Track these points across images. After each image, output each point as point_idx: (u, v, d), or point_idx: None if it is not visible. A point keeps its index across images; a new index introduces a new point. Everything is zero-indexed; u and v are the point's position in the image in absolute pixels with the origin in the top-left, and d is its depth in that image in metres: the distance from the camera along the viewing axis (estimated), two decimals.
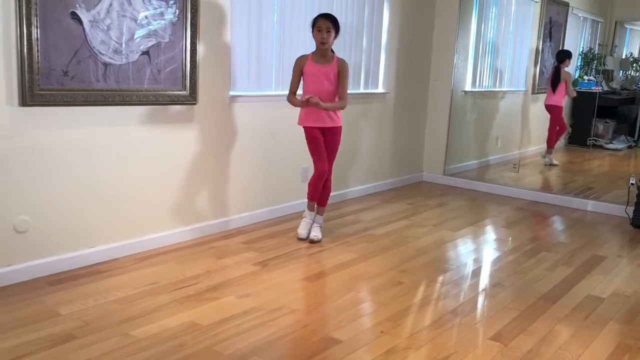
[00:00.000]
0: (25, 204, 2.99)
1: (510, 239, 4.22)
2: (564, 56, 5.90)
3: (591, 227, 4.63)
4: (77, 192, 3.19)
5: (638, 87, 5.87)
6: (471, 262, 3.69)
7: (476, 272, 3.52)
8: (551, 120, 6.06)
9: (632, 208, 4.65)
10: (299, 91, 3.83)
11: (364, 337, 2.59)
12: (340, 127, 3.85)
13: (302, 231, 3.95)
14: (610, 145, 6.07)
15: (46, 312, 2.68)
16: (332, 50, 3.75)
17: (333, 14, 4.53)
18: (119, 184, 3.37)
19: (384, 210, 4.84)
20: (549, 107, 6.02)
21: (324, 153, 3.81)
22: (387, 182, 5.63)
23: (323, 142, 3.81)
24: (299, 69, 3.75)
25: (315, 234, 3.91)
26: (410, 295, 3.09)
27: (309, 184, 3.93)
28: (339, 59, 3.75)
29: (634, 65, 5.94)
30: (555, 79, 5.90)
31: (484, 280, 3.39)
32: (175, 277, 3.18)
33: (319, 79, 3.70)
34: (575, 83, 6.16)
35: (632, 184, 4.82)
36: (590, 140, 5.94)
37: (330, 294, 3.07)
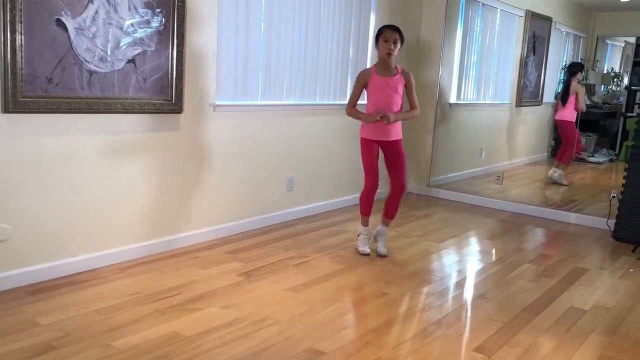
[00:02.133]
0: (5, 212, 2.94)
1: (493, 251, 4.25)
2: (575, 68, 5.76)
3: (573, 240, 4.68)
4: (59, 201, 3.15)
5: (619, 102, 5.96)
6: (455, 274, 3.71)
7: (460, 284, 3.53)
8: (562, 136, 5.90)
9: (614, 221, 4.71)
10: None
11: (348, 349, 2.58)
12: (401, 139, 3.82)
13: (363, 248, 3.94)
14: (592, 159, 6.15)
15: (25, 323, 2.63)
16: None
17: (324, 24, 4.53)
18: (102, 193, 3.34)
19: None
20: (559, 123, 5.87)
21: (377, 168, 3.83)
22: None
23: (378, 157, 3.83)
24: (363, 83, 3.73)
25: (381, 248, 3.91)
26: (395, 307, 3.09)
27: (360, 199, 3.94)
28: (403, 70, 3.74)
29: (615, 80, 6.04)
30: (564, 93, 5.76)
31: (468, 292, 3.40)
32: (158, 287, 3.15)
33: (385, 91, 3.68)
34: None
35: (613, 197, 4.88)
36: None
37: (315, 304, 3.06)
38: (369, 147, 3.79)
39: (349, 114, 3.81)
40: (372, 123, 3.69)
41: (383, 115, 3.62)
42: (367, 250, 3.93)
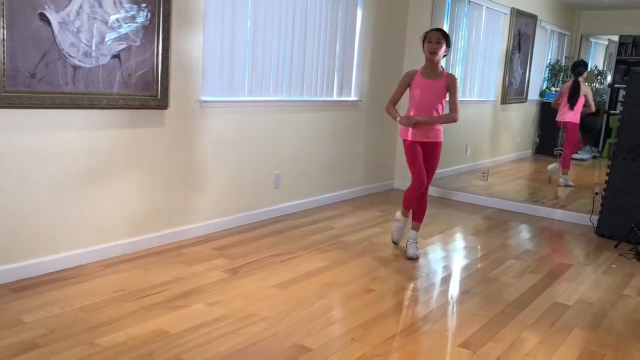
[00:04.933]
0: None
1: (479, 247, 4.28)
2: (581, 68, 5.53)
3: (557, 236, 4.72)
4: (42, 197, 3.11)
5: (602, 99, 6.02)
6: (441, 270, 3.73)
7: (446, 280, 3.55)
8: (566, 138, 5.71)
9: (597, 217, 4.77)
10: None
11: (334, 345, 2.59)
12: (441, 142, 3.85)
13: (395, 236, 4.11)
14: (575, 156, 6.20)
15: (9, 320, 2.60)
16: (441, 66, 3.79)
17: (311, 20, 4.55)
18: (86, 189, 3.31)
19: (356, 217, 4.86)
20: (564, 125, 5.62)
21: (421, 166, 3.81)
22: (359, 189, 5.66)
23: (421, 154, 3.82)
24: (406, 83, 3.80)
25: (412, 251, 3.89)
26: (381, 303, 3.10)
27: (405, 196, 3.94)
28: (448, 74, 3.77)
29: (599, 77, 6.10)
30: (574, 94, 5.48)
31: (454, 288, 3.42)
32: (143, 284, 3.13)
33: (427, 93, 3.72)
34: (543, 94, 6.29)
35: (596, 193, 4.94)
36: (556, 150, 6.07)
37: (301, 301, 3.06)
38: (410, 147, 3.83)
39: (387, 111, 3.90)
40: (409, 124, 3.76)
41: (414, 122, 3.71)
42: (397, 238, 4.09)
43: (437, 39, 3.66)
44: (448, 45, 3.71)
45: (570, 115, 5.61)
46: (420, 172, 3.81)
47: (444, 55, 3.74)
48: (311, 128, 4.91)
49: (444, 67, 3.85)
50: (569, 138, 5.75)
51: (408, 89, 3.83)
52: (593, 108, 5.53)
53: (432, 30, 3.77)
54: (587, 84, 5.71)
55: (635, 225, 4.36)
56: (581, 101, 5.54)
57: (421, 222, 3.98)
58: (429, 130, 3.76)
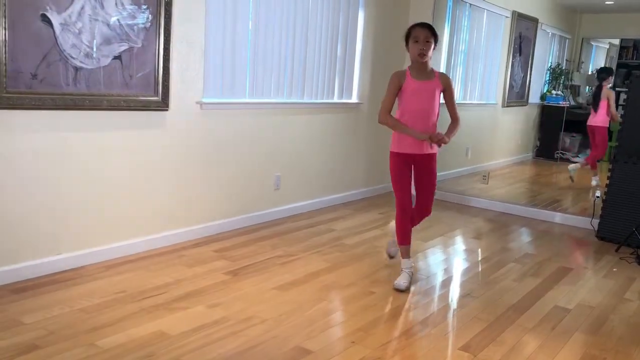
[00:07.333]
0: None
1: (479, 250, 4.28)
2: (605, 74, 5.66)
3: (558, 239, 4.72)
4: (44, 198, 3.11)
5: None
6: (441, 273, 3.72)
7: (446, 283, 3.54)
8: (593, 142, 5.79)
9: (597, 220, 4.76)
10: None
11: (334, 348, 2.58)
12: (436, 152, 3.36)
13: (399, 282, 3.33)
14: (576, 159, 6.21)
15: (9, 321, 2.60)
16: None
17: (312, 22, 4.51)
18: (87, 190, 3.31)
19: (356, 219, 4.85)
20: (591, 128, 5.75)
21: (409, 187, 3.33)
22: (360, 191, 5.66)
23: (411, 175, 3.35)
24: (397, 86, 3.26)
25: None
26: (382, 305, 3.09)
27: (396, 224, 3.40)
28: (440, 73, 3.32)
29: None
30: (595, 98, 5.65)
31: (454, 291, 3.42)
32: (144, 285, 3.13)
33: (422, 97, 3.23)
34: (543, 97, 6.29)
35: (597, 197, 4.93)
36: (557, 153, 6.08)
37: (302, 303, 3.05)
38: (399, 164, 3.30)
39: (385, 123, 3.28)
40: (406, 135, 3.25)
41: (435, 138, 3.20)
42: (402, 285, 3.30)
43: (425, 37, 3.18)
44: (436, 42, 3.24)
45: (597, 119, 5.68)
46: (404, 193, 3.31)
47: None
48: (312, 130, 4.91)
49: (434, 67, 3.44)
50: (596, 142, 5.80)
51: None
52: (614, 113, 5.55)
53: (417, 26, 3.24)
54: (590, 85, 5.77)
55: (636, 228, 4.36)
56: (603, 105, 5.60)
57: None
58: (424, 141, 3.26)
